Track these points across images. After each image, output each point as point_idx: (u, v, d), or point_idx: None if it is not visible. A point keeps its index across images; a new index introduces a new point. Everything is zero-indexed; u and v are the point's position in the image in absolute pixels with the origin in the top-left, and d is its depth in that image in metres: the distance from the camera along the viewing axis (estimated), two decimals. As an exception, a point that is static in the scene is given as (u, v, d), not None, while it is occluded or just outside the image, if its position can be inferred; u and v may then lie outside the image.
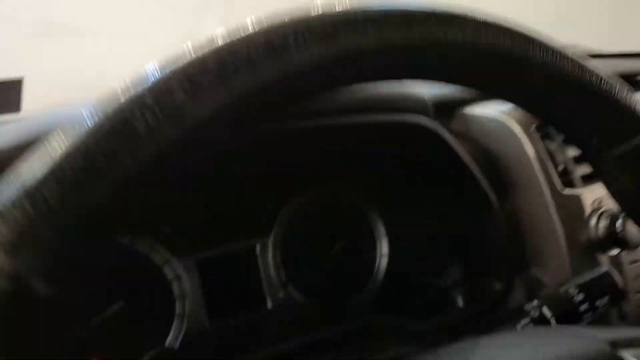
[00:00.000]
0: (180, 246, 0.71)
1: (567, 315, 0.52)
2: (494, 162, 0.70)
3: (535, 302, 0.55)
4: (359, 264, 0.83)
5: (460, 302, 0.74)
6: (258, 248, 0.76)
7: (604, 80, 0.29)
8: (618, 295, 0.55)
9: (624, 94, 0.30)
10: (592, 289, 0.54)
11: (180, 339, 0.69)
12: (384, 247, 0.84)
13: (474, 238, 0.73)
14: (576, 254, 0.66)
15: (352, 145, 0.70)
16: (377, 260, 0.84)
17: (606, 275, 0.56)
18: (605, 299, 0.54)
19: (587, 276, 0.56)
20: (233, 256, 0.74)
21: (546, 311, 0.53)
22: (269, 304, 0.76)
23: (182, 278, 0.70)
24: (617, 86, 0.30)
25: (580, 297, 0.53)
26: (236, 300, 0.74)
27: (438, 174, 0.72)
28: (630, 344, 0.30)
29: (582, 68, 0.29)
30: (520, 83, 0.28)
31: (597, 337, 0.31)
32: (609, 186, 0.34)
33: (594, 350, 0.29)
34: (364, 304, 0.82)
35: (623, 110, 0.30)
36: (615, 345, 0.30)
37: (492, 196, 0.66)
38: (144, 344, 0.67)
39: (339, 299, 0.80)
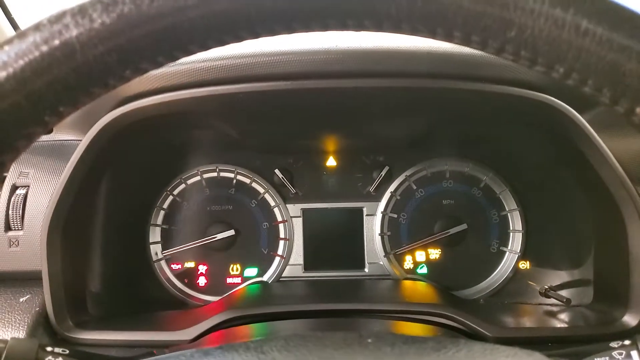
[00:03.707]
0: (292, 195, 0.75)
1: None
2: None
3: (626, 342, 0.41)
4: (479, 255, 0.74)
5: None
6: (365, 211, 0.75)
7: None
8: None
9: None
10: None
11: (276, 277, 0.74)
12: (515, 242, 0.73)
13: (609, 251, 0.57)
14: None
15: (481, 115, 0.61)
16: (504, 255, 0.73)
17: None
18: None
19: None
20: (339, 213, 0.75)
21: (636, 356, 0.40)
22: (367, 270, 0.74)
23: (289, 222, 0.75)
24: None
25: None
26: (334, 258, 0.75)
27: (577, 166, 0.58)
28: None
29: None
30: None
31: None
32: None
33: None
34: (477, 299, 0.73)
35: None
36: None
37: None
38: (243, 272, 0.75)
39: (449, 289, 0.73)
